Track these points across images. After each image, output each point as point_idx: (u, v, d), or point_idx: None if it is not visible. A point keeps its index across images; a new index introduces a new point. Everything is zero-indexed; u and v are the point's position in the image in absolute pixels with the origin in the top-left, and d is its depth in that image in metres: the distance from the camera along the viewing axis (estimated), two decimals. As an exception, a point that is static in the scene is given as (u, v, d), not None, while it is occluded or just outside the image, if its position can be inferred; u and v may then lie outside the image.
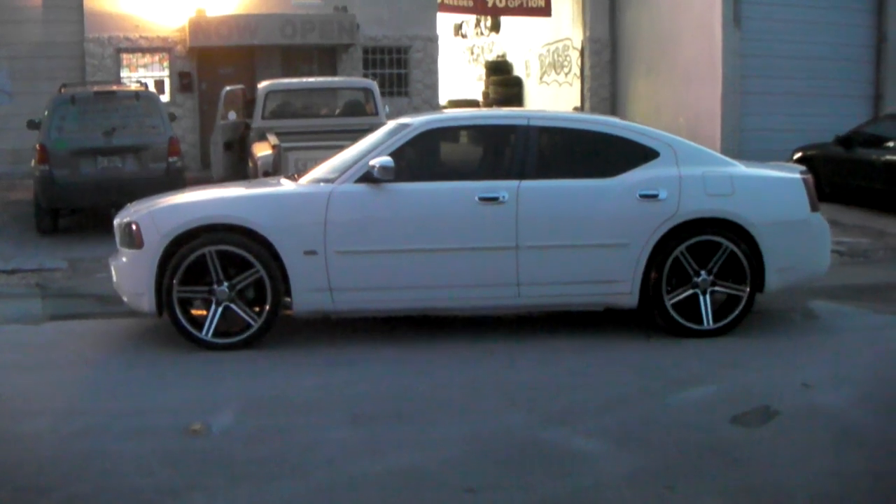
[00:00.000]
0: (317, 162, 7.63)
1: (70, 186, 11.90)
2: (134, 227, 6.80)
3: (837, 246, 10.51)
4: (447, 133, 7.09)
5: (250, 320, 6.71)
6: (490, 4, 21.79)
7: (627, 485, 4.31)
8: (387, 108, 14.74)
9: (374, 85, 14.58)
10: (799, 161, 14.27)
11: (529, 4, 21.51)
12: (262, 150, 12.34)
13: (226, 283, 6.69)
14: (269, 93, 14.03)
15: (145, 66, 19.24)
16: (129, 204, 7.46)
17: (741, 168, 7.09)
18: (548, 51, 23.46)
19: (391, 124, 7.27)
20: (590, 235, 6.73)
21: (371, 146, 7.00)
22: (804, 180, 7.05)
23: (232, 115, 14.62)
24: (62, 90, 12.61)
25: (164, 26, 18.79)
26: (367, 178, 6.68)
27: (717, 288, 6.85)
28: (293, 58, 19.42)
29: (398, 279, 6.71)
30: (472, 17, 27.05)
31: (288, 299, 6.74)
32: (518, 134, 6.91)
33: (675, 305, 6.80)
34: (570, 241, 6.71)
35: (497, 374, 6.11)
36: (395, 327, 7.16)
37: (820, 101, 16.43)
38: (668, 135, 7.13)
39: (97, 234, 11.49)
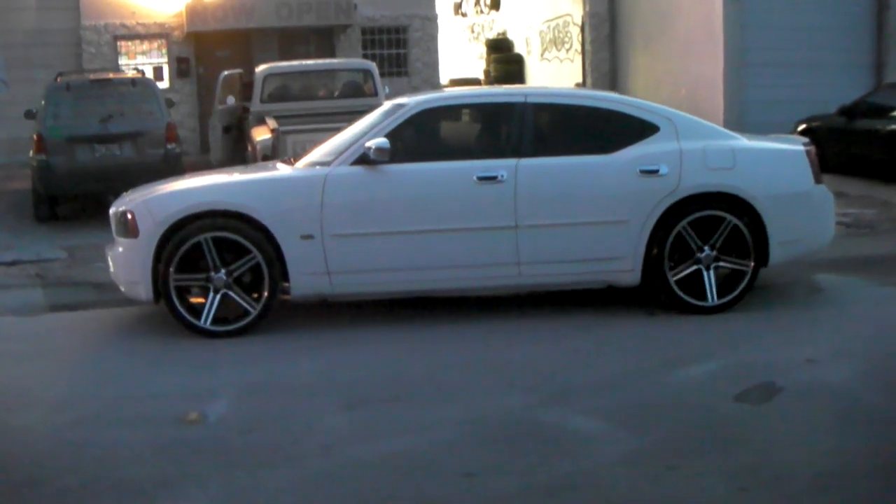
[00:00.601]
0: (315, 144, 7.54)
1: (67, 174, 11.85)
2: (129, 215, 6.73)
3: (843, 217, 10.41)
4: (443, 112, 6.99)
5: (248, 307, 6.64)
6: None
7: (627, 465, 4.25)
8: (387, 89, 14.62)
9: (372, 66, 14.46)
10: (802, 133, 14.14)
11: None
12: (260, 134, 12.25)
13: (223, 270, 6.61)
14: (268, 76, 13.92)
15: (143, 52, 19.14)
16: (125, 192, 7.39)
17: (743, 141, 6.99)
18: (548, 27, 23.27)
19: (387, 105, 7.18)
20: (590, 213, 6.64)
21: (367, 128, 6.92)
22: (807, 152, 6.95)
23: (230, 100, 14.54)
24: (58, 78, 12.54)
25: (160, 12, 18.67)
26: (363, 160, 6.59)
27: (720, 263, 6.77)
28: (290, 40, 19.31)
29: (396, 261, 6.63)
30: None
31: (286, 284, 6.67)
32: (515, 112, 6.81)
33: (678, 282, 6.72)
34: (570, 219, 6.62)
35: (496, 354, 6.04)
36: (395, 309, 7.09)
37: (822, 71, 16.26)
38: (667, 109, 7.02)
39: (96, 222, 11.38)
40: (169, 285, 6.59)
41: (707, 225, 6.72)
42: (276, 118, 12.51)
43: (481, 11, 27.57)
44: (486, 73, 26.08)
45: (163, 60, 18.86)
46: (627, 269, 6.71)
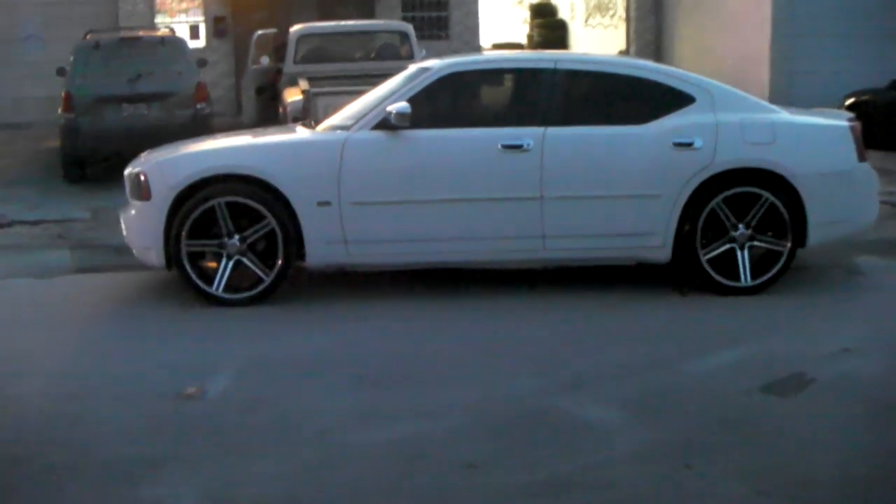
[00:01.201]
0: (343, 106, 7.27)
1: (95, 134, 11.71)
2: (142, 177, 6.54)
3: (888, 197, 9.97)
4: (469, 77, 6.67)
5: (262, 275, 6.44)
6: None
7: (640, 462, 3.98)
8: (423, 52, 14.29)
9: (409, 27, 14.13)
10: (851, 107, 13.63)
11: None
12: (292, 96, 12.00)
13: (237, 236, 6.42)
14: (301, 37, 13.64)
15: (180, 10, 18.94)
16: (143, 153, 7.20)
17: (783, 115, 6.62)
18: (592, -8, 22.77)
19: (412, 68, 6.90)
20: (619, 185, 6.32)
21: (390, 91, 6.64)
22: (851, 128, 6.56)
23: (264, 60, 14.30)
24: (87, 36, 12.35)
25: (198, -30, 18.47)
26: (384, 124, 6.33)
27: (755, 242, 6.43)
28: (329, 1, 18.97)
29: (416, 231, 6.38)
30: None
31: (302, 252, 6.45)
32: (544, 78, 6.49)
33: (710, 261, 6.39)
34: (598, 192, 6.32)
35: (516, 333, 5.79)
36: (415, 281, 6.84)
37: (873, 42, 15.62)
38: (704, 79, 6.66)
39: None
40: (181, 251, 6.40)
41: (743, 202, 6.39)
42: (309, 80, 12.24)
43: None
44: (530, 38, 25.65)
45: (199, 19, 18.61)
46: (658, 246, 6.40)
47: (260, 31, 14.33)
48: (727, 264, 6.42)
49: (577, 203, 6.32)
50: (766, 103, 6.70)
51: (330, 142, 6.41)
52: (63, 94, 11.85)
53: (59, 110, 11.95)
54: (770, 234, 6.46)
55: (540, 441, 4.21)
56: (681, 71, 6.74)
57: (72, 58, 12.10)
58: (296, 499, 3.75)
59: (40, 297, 6.93)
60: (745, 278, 6.40)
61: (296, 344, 5.71)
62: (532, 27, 25.42)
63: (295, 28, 13.88)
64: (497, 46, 28.58)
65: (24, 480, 3.88)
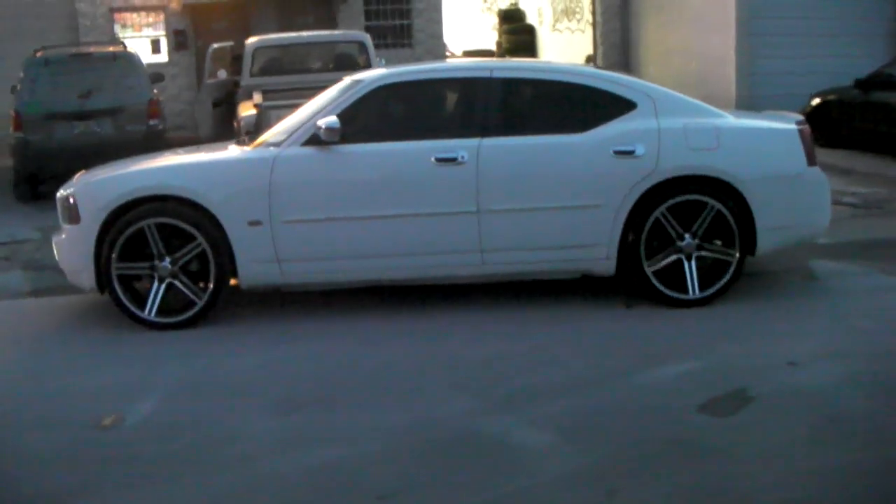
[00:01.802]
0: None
1: (45, 152, 11.47)
2: (71, 200, 6.38)
3: (850, 197, 9.85)
4: (403, 89, 6.45)
5: (194, 297, 6.23)
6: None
7: (564, 487, 3.79)
8: (382, 61, 14.09)
9: (366, 37, 13.94)
10: (818, 107, 13.52)
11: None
12: (245, 110, 11.78)
13: (167, 259, 6.21)
14: (257, 49, 13.42)
15: (140, 24, 18.69)
16: (76, 175, 6.98)
17: (729, 119, 6.43)
18: (559, -3, 22.63)
19: (346, 81, 6.69)
20: (559, 197, 6.13)
21: (322, 105, 6.44)
22: (800, 131, 6.39)
23: (222, 73, 14.06)
24: (37, 53, 12.10)
25: (157, -18, 18.23)
26: (314, 140, 6.13)
27: (703, 252, 6.24)
28: (290, 11, 18.78)
29: (351, 248, 6.18)
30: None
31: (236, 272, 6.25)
32: (480, 87, 6.30)
33: (657, 272, 6.21)
34: (537, 204, 6.13)
35: (454, 351, 5.59)
36: (354, 299, 6.64)
37: (838, 41, 15.51)
38: (647, 84, 6.48)
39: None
40: (111, 274, 6.20)
41: (690, 210, 6.21)
42: (265, 92, 12.04)
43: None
44: (498, 44, 25.50)
45: (161, 33, 18.37)
46: (601, 258, 6.21)
47: (215, 45, 14.10)
48: (677, 275, 6.23)
49: (515, 216, 6.12)
50: (711, 107, 6.49)
51: (259, 159, 6.21)
52: (12, 111, 11.57)
53: (10, 129, 11.69)
54: (720, 242, 6.28)
55: (461, 467, 4.03)
56: (622, 76, 6.55)
57: (21, 74, 11.84)
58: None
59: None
60: (693, 290, 6.22)
61: (226, 366, 5.53)
62: (500, 33, 25.24)
63: (251, 40, 13.67)
64: (468, 53, 28.47)
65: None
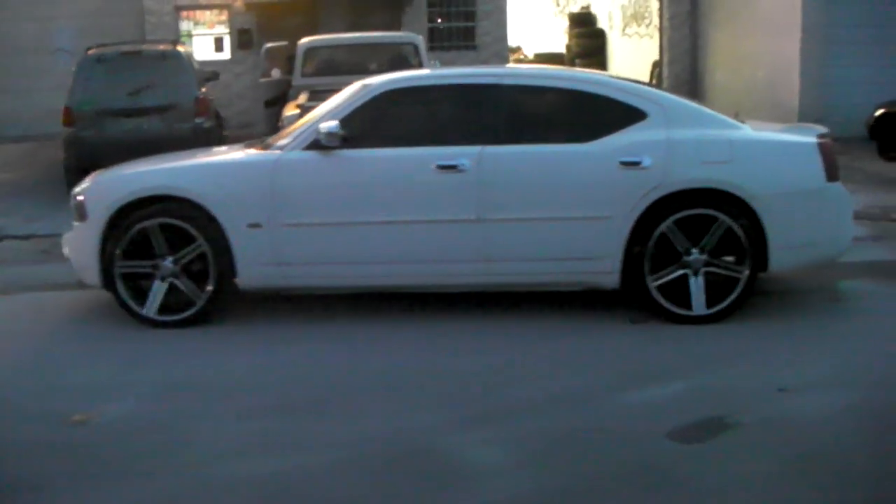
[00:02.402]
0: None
1: (95, 147, 11.65)
2: (80, 197, 6.45)
3: (900, 216, 9.42)
4: (410, 94, 6.36)
5: (194, 297, 6.24)
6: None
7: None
8: (436, 63, 14.06)
9: (418, 39, 13.88)
10: (882, 117, 12.98)
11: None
12: (290, 110, 11.83)
13: (170, 258, 6.24)
14: (309, 49, 13.50)
15: (209, 22, 18.96)
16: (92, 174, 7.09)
17: (745, 131, 6.18)
18: (630, 2, 22.23)
19: (356, 85, 6.62)
20: (563, 207, 5.97)
21: (331, 108, 6.39)
22: (820, 145, 6.09)
23: (276, 73, 14.18)
24: (90, 51, 12.33)
25: (223, -19, 18.48)
26: (316, 144, 6.09)
27: (711, 268, 6.01)
28: (358, 11, 18.80)
29: (350, 254, 6.13)
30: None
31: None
32: (487, 94, 6.18)
33: (663, 287, 6.00)
34: (539, 214, 5.98)
35: (443, 360, 5.50)
36: (359, 304, 6.58)
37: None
38: (660, 93, 6.30)
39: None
40: (114, 271, 6.27)
41: (699, 225, 5.98)
42: (313, 93, 12.06)
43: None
44: (568, 48, 25.22)
45: (225, 31, 18.61)
46: (605, 271, 6.03)
47: (269, 44, 14.22)
48: (684, 290, 6.02)
49: (517, 225, 5.99)
50: (727, 119, 6.25)
51: (261, 162, 6.20)
52: (64, 107, 11.83)
53: (62, 124, 11.95)
54: (733, 257, 6.04)
55: (410, 483, 3.93)
56: (635, 85, 6.34)
57: (74, 72, 12.09)
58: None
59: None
60: (699, 307, 5.99)
61: (214, 368, 5.53)
62: (571, 37, 24.95)
63: (303, 41, 13.73)
64: (539, 56, 28.27)
65: None
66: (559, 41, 26.80)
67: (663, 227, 5.93)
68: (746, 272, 5.97)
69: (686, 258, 5.99)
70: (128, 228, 6.24)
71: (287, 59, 14.21)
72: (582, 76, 6.41)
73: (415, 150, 6.08)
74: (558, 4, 27.61)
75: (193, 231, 6.17)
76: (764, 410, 4.60)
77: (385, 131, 6.30)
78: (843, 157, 13.02)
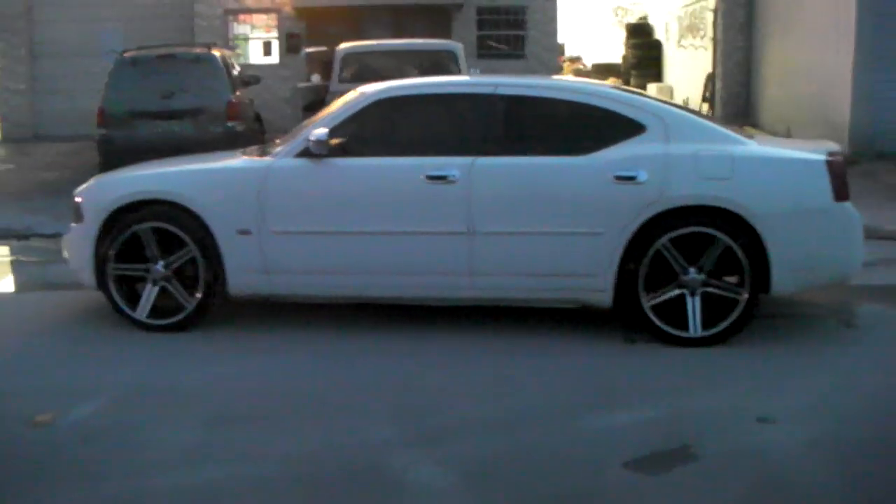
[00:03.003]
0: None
1: (127, 149, 11.76)
2: (78, 199, 6.48)
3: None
4: (404, 103, 6.22)
5: (184, 302, 6.20)
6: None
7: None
8: (476, 70, 13.93)
9: (457, 46, 13.79)
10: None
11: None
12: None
13: (161, 262, 6.21)
14: (346, 55, 13.51)
15: (262, 26, 19.11)
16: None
17: (750, 147, 5.92)
18: (685, 13, 21.85)
19: (352, 93, 6.52)
20: (555, 221, 5.78)
21: (327, 116, 6.30)
22: (829, 163, 5.79)
23: (315, 78, 14.22)
24: (125, 54, 12.46)
25: (272, -14, 18.60)
26: (307, 152, 5.99)
27: (709, 289, 5.77)
28: (405, 18, 18.80)
29: (338, 263, 6.02)
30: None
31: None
32: (482, 104, 6.02)
33: (659, 307, 5.78)
34: (530, 228, 5.80)
35: (414, 374, 5.37)
36: (350, 312, 6.47)
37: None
38: (661, 106, 6.06)
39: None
40: (107, 274, 6.26)
41: (698, 243, 5.75)
42: (348, 99, 12.02)
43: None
44: (624, 58, 24.91)
45: (274, 35, 18.72)
46: (598, 289, 5.82)
47: (309, 49, 14.25)
48: (681, 310, 5.79)
49: (507, 239, 5.82)
50: (732, 134, 6.00)
51: (252, 169, 6.15)
52: (97, 109, 11.96)
53: (95, 125, 12.10)
54: (736, 278, 5.80)
55: (340, 501, 3.81)
56: (636, 97, 6.12)
57: (109, 74, 12.22)
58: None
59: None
60: (695, 328, 5.75)
61: (187, 374, 5.48)
62: (627, 47, 24.62)
63: (341, 46, 13.74)
64: (597, 67, 27.98)
65: None
66: (618, 51, 26.46)
67: (659, 244, 5.71)
68: (745, 294, 5.71)
69: (683, 277, 5.76)
70: (120, 231, 6.23)
71: (326, 65, 14.22)
72: (580, 87, 6.21)
73: (405, 160, 5.96)
74: (617, 14, 27.27)
75: (184, 236, 6.14)
76: (735, 441, 4.35)
77: (377, 140, 6.19)
78: (893, 175, 12.63)
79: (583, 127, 5.96)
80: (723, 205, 5.68)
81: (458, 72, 13.44)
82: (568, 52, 33.75)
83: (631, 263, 5.75)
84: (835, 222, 5.82)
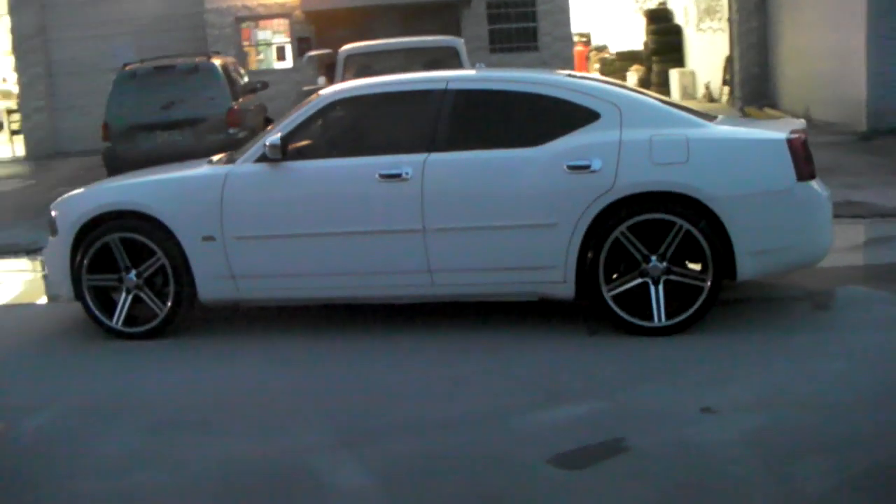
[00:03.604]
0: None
1: (130, 161, 11.84)
2: (53, 213, 6.60)
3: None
4: (357, 103, 6.23)
5: (157, 309, 6.27)
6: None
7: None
8: (481, 65, 13.91)
9: (459, 43, 13.73)
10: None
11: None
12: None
13: (133, 271, 6.29)
14: (349, 56, 13.50)
15: (282, 31, 19.24)
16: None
17: (709, 129, 5.81)
18: (702, -6, 21.61)
19: (314, 96, 6.52)
20: (510, 215, 5.73)
21: (285, 120, 6.32)
22: (789, 141, 5.65)
23: (321, 80, 14.26)
24: (126, 67, 12.60)
25: (281, -8, 18.70)
26: (265, 157, 6.02)
27: (672, 276, 5.69)
28: (413, 16, 18.80)
29: (300, 266, 6.05)
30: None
31: (196, 287, 6.27)
32: (434, 100, 5.99)
33: (622, 297, 5.70)
34: (486, 222, 5.76)
35: (369, 377, 5.36)
36: (326, 315, 6.51)
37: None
38: (617, 92, 5.97)
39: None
40: (82, 284, 6.35)
41: (658, 230, 5.67)
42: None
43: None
44: (645, 44, 24.67)
45: (287, 40, 18.83)
46: (558, 281, 5.77)
47: (311, 52, 14.29)
48: (644, 300, 5.72)
49: (463, 234, 5.79)
50: (692, 117, 5.88)
51: (212, 176, 6.19)
52: (102, 123, 12.11)
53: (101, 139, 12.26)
54: (700, 265, 5.71)
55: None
56: (590, 84, 6.03)
57: (111, 88, 12.37)
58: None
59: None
60: (659, 317, 5.67)
61: (144, 382, 5.56)
62: (647, 33, 24.37)
63: (343, 48, 13.75)
64: (620, 55, 27.76)
65: None
66: (639, 38, 26.22)
67: (617, 233, 5.64)
68: (708, 282, 5.61)
69: (645, 266, 5.68)
70: (91, 243, 6.32)
71: (326, 68, 14.27)
72: (533, 77, 6.14)
73: (359, 160, 5.96)
74: (637, 1, 27.03)
75: (152, 245, 6.21)
76: (672, 433, 4.27)
77: (334, 141, 6.21)
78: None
79: (535, 118, 5.90)
80: (679, 190, 5.59)
81: (461, 67, 13.38)
82: (595, 42, 33.54)
83: (590, 254, 5.68)
84: (799, 203, 5.70)
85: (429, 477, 3.99)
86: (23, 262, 9.92)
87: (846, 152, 12.73)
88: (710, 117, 6.08)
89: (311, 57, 14.32)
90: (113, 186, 6.66)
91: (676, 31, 23.61)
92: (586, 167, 5.63)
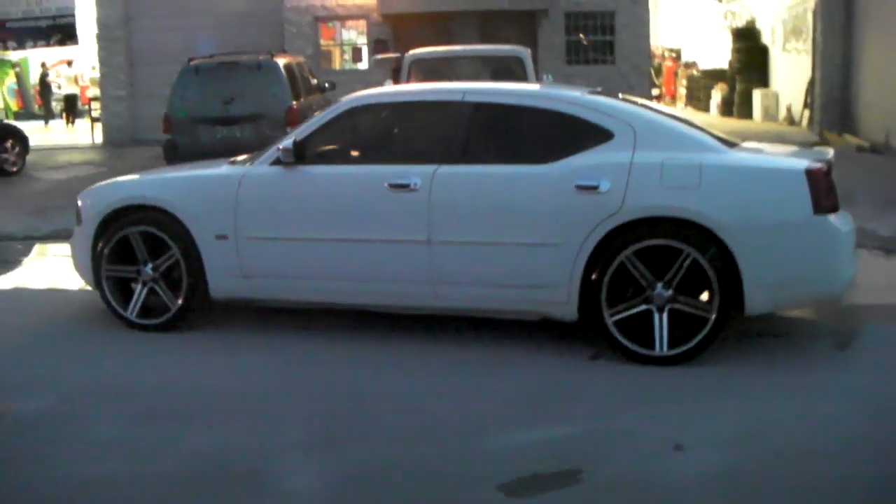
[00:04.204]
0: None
1: (189, 154, 12.08)
2: (79, 203, 6.76)
3: None
4: (375, 111, 6.27)
5: (169, 303, 6.38)
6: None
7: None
8: (549, 77, 13.81)
9: (524, 52, 13.64)
10: None
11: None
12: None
13: (149, 265, 6.41)
14: (414, 61, 13.54)
15: (360, 31, 19.41)
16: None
17: (725, 155, 5.64)
18: (790, 15, 21.06)
19: (337, 102, 6.56)
20: (515, 231, 5.67)
21: (306, 124, 6.38)
22: (809, 172, 5.45)
23: (388, 83, 14.30)
24: (190, 62, 12.83)
25: (360, -7, 18.87)
26: (280, 160, 6.08)
27: (677, 305, 5.53)
28: (492, 23, 18.76)
29: (307, 269, 6.11)
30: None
31: (207, 283, 6.38)
32: (449, 112, 5.97)
33: (625, 322, 5.58)
34: (491, 238, 5.71)
35: (358, 381, 5.38)
36: (343, 317, 6.53)
37: None
38: (635, 112, 5.85)
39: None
40: (101, 275, 6.48)
41: (666, 257, 5.53)
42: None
43: (733, -3, 25.57)
44: (730, 63, 24.18)
45: (363, 41, 19.00)
46: (560, 301, 5.68)
47: (378, 56, 14.36)
48: (648, 327, 5.58)
49: (468, 248, 5.75)
50: (710, 141, 5.71)
51: (229, 176, 6.31)
52: (163, 115, 12.37)
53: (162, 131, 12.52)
54: (708, 293, 5.56)
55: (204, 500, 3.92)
56: (608, 103, 5.92)
57: (174, 81, 12.61)
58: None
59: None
60: (661, 346, 5.53)
61: (144, 372, 5.67)
62: (732, 52, 23.87)
63: (409, 53, 13.79)
64: (706, 73, 27.28)
65: None
66: (726, 56, 25.69)
67: (622, 257, 5.53)
68: (713, 314, 5.45)
69: (650, 292, 5.55)
70: (112, 235, 6.47)
71: (393, 72, 14.33)
72: (550, 94, 6.06)
73: (370, 168, 5.97)
74: (726, 18, 26.51)
75: (168, 240, 6.33)
76: (632, 467, 4.16)
77: (347, 148, 6.24)
78: None
79: (549, 135, 5.83)
80: (688, 216, 5.45)
81: (525, 77, 13.30)
82: (685, 58, 33.00)
83: (593, 276, 5.58)
84: (814, 236, 5.49)
85: (375, 487, 3.99)
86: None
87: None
88: (731, 143, 5.91)
89: (379, 59, 14.39)
90: (136, 180, 6.81)
91: (762, 51, 23.06)
92: (594, 188, 5.53)
